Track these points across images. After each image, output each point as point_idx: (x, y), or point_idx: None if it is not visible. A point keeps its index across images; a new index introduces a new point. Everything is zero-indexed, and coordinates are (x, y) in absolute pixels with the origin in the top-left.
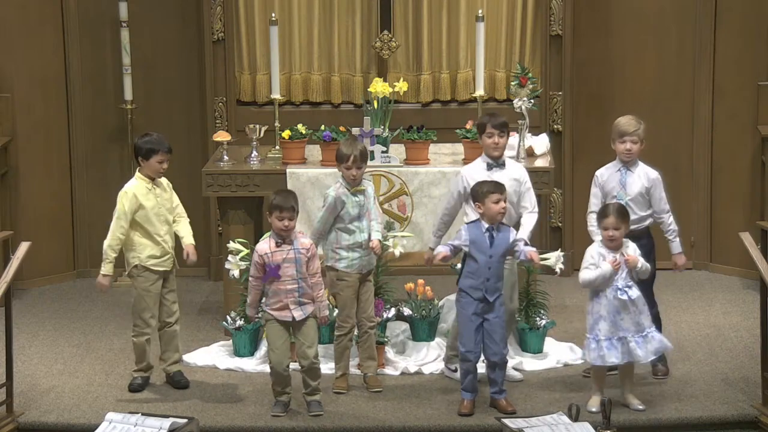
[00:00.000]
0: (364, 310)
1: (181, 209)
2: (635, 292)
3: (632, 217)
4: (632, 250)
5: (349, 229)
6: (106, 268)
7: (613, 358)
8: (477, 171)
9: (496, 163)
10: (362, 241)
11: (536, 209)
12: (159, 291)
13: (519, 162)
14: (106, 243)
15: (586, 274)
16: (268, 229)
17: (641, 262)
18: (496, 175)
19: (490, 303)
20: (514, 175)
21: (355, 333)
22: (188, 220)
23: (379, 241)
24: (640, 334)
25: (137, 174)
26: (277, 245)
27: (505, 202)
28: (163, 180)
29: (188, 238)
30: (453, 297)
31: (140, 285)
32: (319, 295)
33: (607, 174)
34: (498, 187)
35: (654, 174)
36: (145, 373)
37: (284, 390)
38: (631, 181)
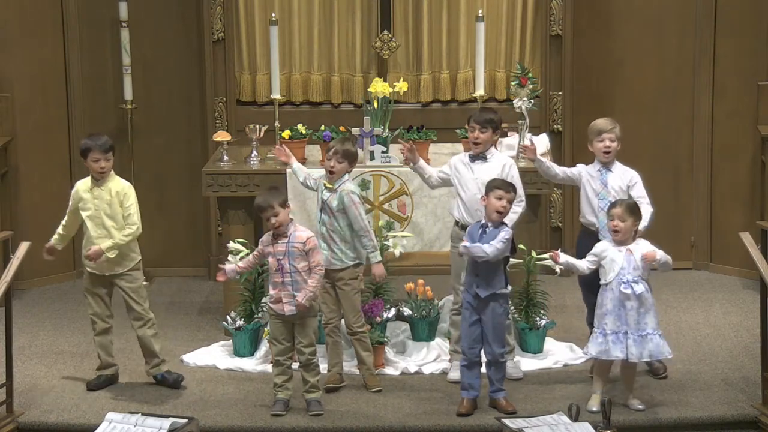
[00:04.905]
0: (345, 316)
1: (127, 220)
2: (641, 288)
3: None
4: (642, 247)
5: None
6: (51, 240)
7: (618, 352)
8: (461, 161)
9: (478, 156)
10: (320, 233)
11: (522, 199)
12: (100, 289)
13: (512, 158)
14: None
15: (571, 258)
16: (267, 230)
17: (660, 255)
18: (477, 168)
19: (483, 299)
20: (495, 169)
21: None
22: (130, 233)
23: (380, 263)
24: (640, 333)
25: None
26: (274, 237)
27: (509, 203)
28: (116, 184)
29: (104, 243)
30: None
31: (83, 283)
32: (311, 284)
33: (588, 172)
34: (506, 186)
35: (632, 172)
36: (105, 370)
37: (285, 384)
38: (611, 180)
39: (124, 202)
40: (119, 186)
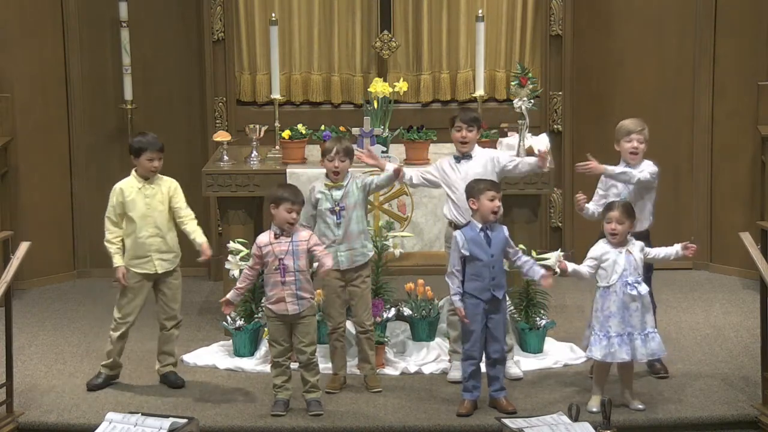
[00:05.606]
0: (355, 315)
1: (185, 212)
2: (644, 288)
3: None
4: (638, 248)
5: (324, 223)
6: (114, 260)
7: (624, 354)
8: (447, 163)
9: (463, 156)
10: (335, 238)
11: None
12: (142, 292)
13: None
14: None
15: (576, 266)
16: (267, 228)
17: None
18: (463, 167)
19: (499, 300)
20: (483, 161)
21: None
22: (195, 220)
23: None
24: (643, 332)
25: (132, 172)
26: (276, 237)
27: (500, 201)
28: (165, 181)
29: (199, 237)
30: None
31: (129, 283)
32: (320, 250)
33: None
34: (495, 186)
35: (648, 162)
36: (110, 371)
37: (285, 385)
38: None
39: (175, 196)
40: (169, 182)
